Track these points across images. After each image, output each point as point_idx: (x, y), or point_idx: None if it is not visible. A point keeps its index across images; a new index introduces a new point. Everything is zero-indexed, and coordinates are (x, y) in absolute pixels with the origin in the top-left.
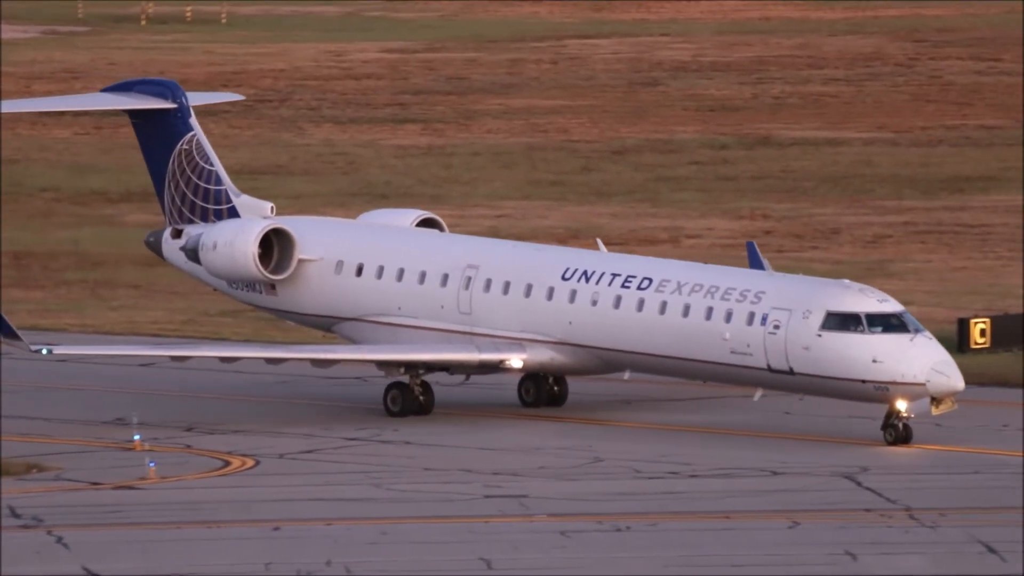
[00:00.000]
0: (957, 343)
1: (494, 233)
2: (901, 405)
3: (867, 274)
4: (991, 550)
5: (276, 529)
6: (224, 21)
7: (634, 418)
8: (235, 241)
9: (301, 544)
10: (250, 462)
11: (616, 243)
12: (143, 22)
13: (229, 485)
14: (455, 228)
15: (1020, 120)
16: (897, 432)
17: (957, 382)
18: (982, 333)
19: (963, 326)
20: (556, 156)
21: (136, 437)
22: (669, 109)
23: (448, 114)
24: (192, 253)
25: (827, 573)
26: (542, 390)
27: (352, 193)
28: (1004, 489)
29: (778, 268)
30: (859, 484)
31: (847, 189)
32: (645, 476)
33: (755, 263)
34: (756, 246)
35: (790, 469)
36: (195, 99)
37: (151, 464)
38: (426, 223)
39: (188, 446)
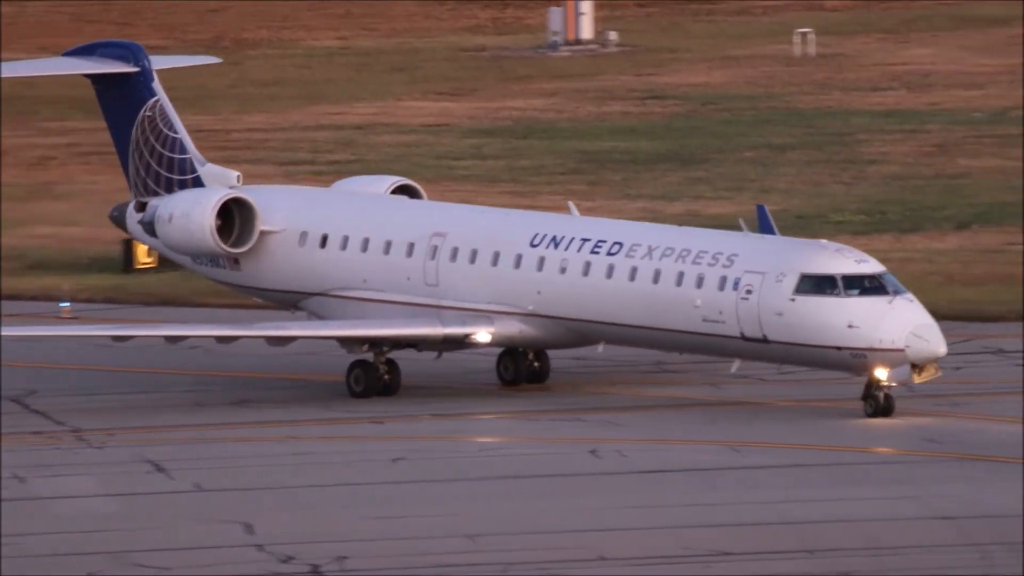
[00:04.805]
0: (123, 264)
1: None
2: (881, 373)
3: (32, 196)
4: (159, 468)
5: None
6: None
7: None
8: (192, 212)
9: None
10: None
11: None
12: None
13: None
14: None
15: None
16: (878, 403)
17: (938, 347)
18: (148, 252)
19: (128, 246)
20: None
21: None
22: None
23: None
24: (150, 227)
25: None
26: (521, 366)
27: None
28: (169, 408)
29: None
30: (27, 407)
31: (10, 110)
32: None
33: (765, 227)
34: (767, 209)
35: None
36: (159, 63)
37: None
38: (403, 190)
39: None
